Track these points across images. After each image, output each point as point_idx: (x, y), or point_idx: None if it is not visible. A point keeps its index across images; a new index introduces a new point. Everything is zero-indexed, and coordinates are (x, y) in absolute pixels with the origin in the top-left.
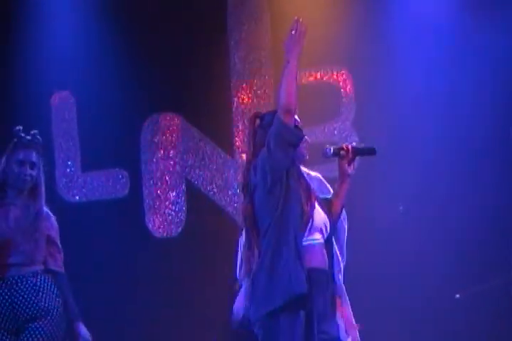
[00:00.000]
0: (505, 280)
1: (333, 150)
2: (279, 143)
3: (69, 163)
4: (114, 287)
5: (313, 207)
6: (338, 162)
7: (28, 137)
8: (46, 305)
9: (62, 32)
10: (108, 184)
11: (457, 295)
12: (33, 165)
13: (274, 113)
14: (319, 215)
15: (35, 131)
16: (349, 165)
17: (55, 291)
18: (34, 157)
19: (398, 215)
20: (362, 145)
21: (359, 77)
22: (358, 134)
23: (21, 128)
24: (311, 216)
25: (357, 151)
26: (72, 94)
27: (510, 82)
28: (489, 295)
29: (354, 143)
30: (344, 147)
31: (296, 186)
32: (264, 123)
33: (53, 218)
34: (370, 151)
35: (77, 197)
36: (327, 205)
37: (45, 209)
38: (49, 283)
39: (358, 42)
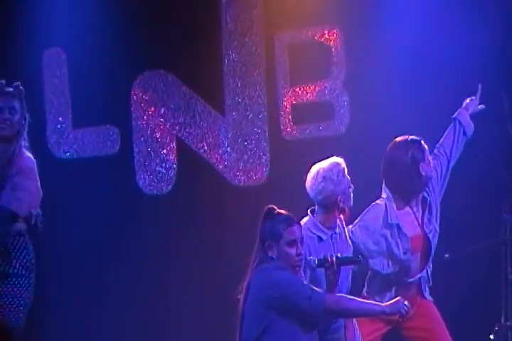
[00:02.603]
0: (496, 241)
1: (318, 261)
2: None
3: (60, 119)
4: (103, 243)
5: None
6: (324, 272)
7: (10, 88)
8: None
9: None
10: (99, 141)
11: (446, 255)
12: (12, 111)
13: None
14: None
15: (18, 83)
16: (334, 275)
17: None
18: (15, 103)
19: None
20: (346, 255)
21: (350, 36)
22: (348, 94)
23: (4, 82)
24: None
25: (341, 262)
26: (63, 50)
27: None
28: (479, 256)
29: (338, 254)
30: (328, 259)
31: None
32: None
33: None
34: (354, 261)
35: (68, 154)
36: None
37: (24, 150)
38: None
39: (351, 1)
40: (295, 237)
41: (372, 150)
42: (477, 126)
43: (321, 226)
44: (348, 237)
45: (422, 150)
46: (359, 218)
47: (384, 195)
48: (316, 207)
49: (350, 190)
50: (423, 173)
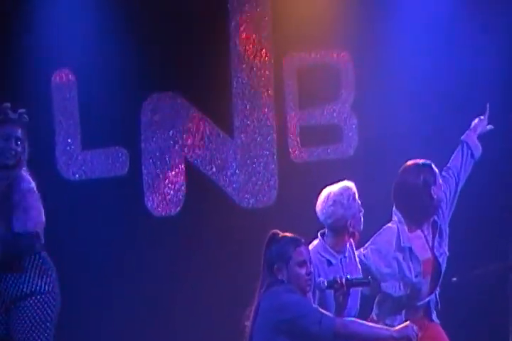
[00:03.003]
0: (504, 266)
1: (327, 283)
2: None
3: (69, 140)
4: (111, 266)
5: None
6: (333, 294)
7: (15, 115)
8: (29, 286)
9: (62, 10)
10: (107, 162)
11: (454, 278)
12: (18, 141)
13: (283, 241)
14: None
15: (23, 110)
16: (343, 297)
17: (38, 270)
18: (20, 133)
19: None
20: (356, 277)
21: (360, 59)
22: (357, 116)
23: (9, 105)
24: None
25: (351, 284)
26: (72, 72)
27: None
28: (486, 280)
29: (348, 276)
30: (338, 280)
31: None
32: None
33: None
34: (363, 283)
35: (77, 175)
36: None
37: (25, 174)
38: (33, 263)
39: (360, 24)
40: (304, 258)
41: (381, 173)
42: (486, 147)
43: (331, 250)
44: (357, 261)
45: (434, 173)
46: (371, 241)
47: (395, 218)
48: (326, 231)
49: (361, 214)
50: (434, 197)
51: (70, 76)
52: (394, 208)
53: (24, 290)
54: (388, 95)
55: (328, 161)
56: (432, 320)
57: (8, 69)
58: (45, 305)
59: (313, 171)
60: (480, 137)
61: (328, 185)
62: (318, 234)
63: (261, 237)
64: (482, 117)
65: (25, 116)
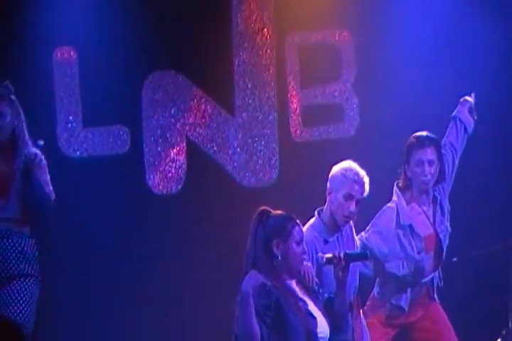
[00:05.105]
0: (504, 245)
1: (326, 259)
2: None
3: (70, 118)
4: (111, 242)
5: None
6: (333, 269)
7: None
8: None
9: None
10: (109, 140)
11: (454, 259)
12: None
13: (280, 217)
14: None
15: (6, 82)
16: (343, 272)
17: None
18: (2, 106)
19: None
20: (354, 251)
21: (361, 39)
22: (358, 96)
23: None
24: None
25: (349, 258)
26: (74, 49)
27: None
28: (487, 260)
29: (347, 251)
30: (336, 255)
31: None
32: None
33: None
34: (362, 257)
35: (78, 153)
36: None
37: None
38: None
39: (362, 4)
40: (301, 236)
41: (382, 152)
42: (482, 123)
43: (327, 228)
44: (355, 239)
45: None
46: (371, 223)
47: (395, 198)
48: (324, 208)
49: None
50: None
51: (72, 53)
52: (395, 186)
53: (24, 271)
54: (389, 75)
55: (330, 141)
56: (433, 299)
57: (9, 46)
58: (29, 287)
59: (315, 151)
60: (471, 111)
61: (330, 164)
62: (315, 212)
63: None
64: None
65: (10, 86)
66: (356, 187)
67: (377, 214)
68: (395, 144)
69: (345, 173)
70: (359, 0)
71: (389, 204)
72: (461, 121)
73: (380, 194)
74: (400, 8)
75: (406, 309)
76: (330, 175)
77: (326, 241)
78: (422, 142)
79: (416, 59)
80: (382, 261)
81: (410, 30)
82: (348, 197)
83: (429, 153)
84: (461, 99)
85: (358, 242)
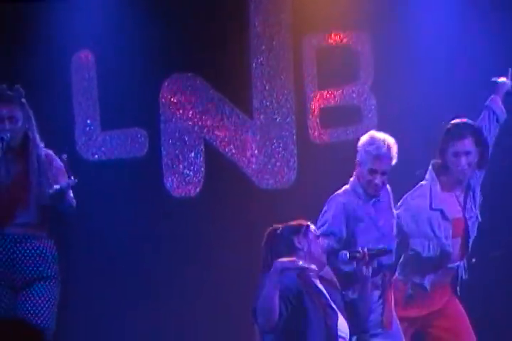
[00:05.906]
0: None
1: (350, 254)
2: None
3: (88, 121)
4: (130, 246)
5: None
6: (356, 265)
7: (9, 92)
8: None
9: None
10: (127, 143)
11: (473, 259)
12: (11, 120)
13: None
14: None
15: (17, 86)
16: (367, 267)
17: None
18: (14, 110)
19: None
20: (377, 247)
21: (379, 40)
22: (376, 97)
23: (5, 86)
24: None
25: (373, 254)
26: (92, 53)
27: None
28: (506, 261)
29: (370, 246)
30: (360, 251)
31: None
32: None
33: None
34: (385, 252)
35: (96, 156)
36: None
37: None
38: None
39: (379, 5)
40: (317, 234)
41: (400, 154)
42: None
43: (364, 193)
44: (392, 207)
45: None
46: (402, 201)
47: (428, 177)
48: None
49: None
50: None
51: (90, 56)
52: (430, 167)
53: (44, 273)
54: (407, 76)
55: (348, 142)
56: (455, 291)
57: (27, 50)
58: (50, 290)
59: (333, 152)
60: (504, 100)
61: (349, 166)
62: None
63: (280, 218)
64: (504, 79)
65: (21, 90)
66: (378, 162)
67: (410, 192)
68: (413, 145)
69: (366, 149)
70: (376, 1)
71: (422, 182)
72: (493, 111)
73: (396, 197)
74: (418, 8)
75: (428, 288)
76: (358, 147)
77: (363, 202)
78: (459, 133)
79: (434, 60)
80: (408, 236)
81: (429, 30)
82: (372, 171)
83: (467, 145)
84: (498, 81)
85: (395, 211)
